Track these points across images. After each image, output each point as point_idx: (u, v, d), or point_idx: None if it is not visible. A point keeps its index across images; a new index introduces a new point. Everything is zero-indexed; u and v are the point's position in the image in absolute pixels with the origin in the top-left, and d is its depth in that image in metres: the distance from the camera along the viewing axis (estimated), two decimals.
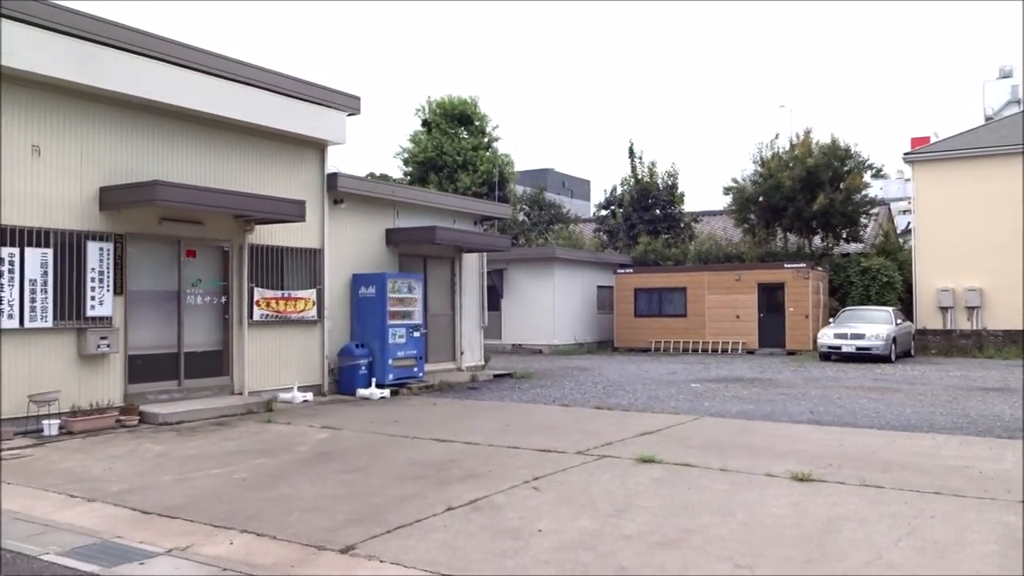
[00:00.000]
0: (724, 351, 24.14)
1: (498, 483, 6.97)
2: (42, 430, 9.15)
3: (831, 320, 21.94)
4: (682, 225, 31.35)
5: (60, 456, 8.24)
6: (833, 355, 20.42)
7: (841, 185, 25.43)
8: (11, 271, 9.28)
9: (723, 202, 30.16)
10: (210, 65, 11.32)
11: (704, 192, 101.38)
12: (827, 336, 20.67)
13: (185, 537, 5.55)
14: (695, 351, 24.58)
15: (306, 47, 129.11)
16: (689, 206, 32.87)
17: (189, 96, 11.02)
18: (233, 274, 12.01)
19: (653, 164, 31.65)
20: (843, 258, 26.27)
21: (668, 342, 25.11)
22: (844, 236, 26.66)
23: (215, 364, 11.80)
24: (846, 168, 26.06)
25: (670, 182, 31.42)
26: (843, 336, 20.23)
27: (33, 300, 9.47)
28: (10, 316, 9.26)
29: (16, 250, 9.36)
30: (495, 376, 16.42)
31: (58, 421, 9.28)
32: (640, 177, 31.60)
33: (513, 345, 25.14)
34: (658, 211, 31.19)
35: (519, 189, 36.38)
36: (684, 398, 12.99)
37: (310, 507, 6.27)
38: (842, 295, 25.05)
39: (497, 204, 21.85)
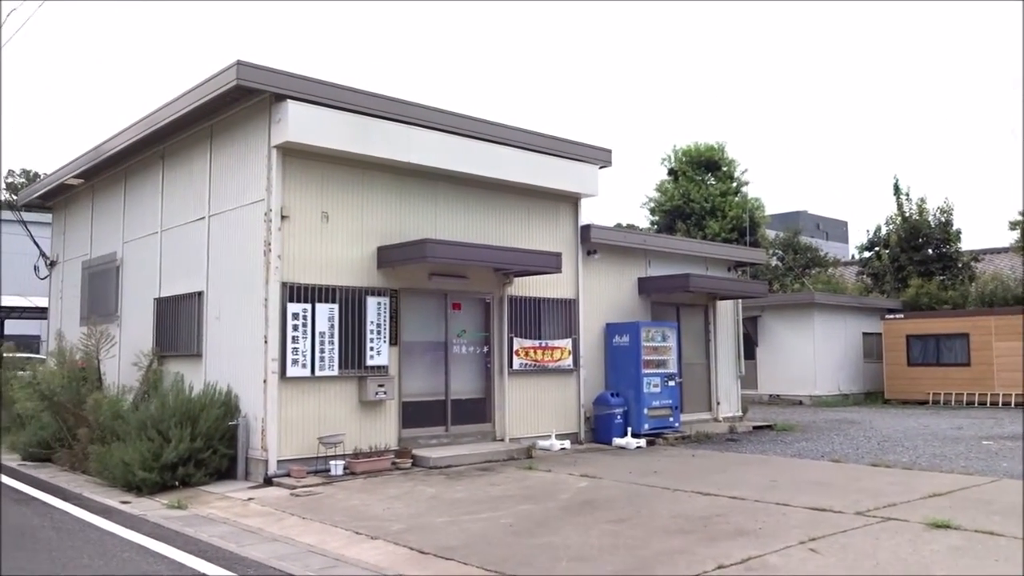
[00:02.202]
0: (1018, 404, 21.27)
1: (770, 542, 6.53)
2: (329, 470, 9.98)
3: None
4: (959, 265, 28.36)
5: (345, 495, 8.91)
6: None
7: None
8: (304, 324, 10.31)
9: (1009, 238, 26.89)
10: (472, 129, 12.03)
11: (985, 228, 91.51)
12: None
13: None
14: (982, 404, 21.89)
15: (552, 102, 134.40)
16: (967, 243, 29.74)
17: (454, 159, 11.76)
18: (494, 325, 12.52)
19: (922, 200, 29.06)
20: None
21: (948, 393, 22.60)
22: None
23: (479, 411, 12.29)
24: None
25: (943, 219, 28.64)
26: None
27: (322, 351, 10.44)
28: (303, 365, 10.26)
29: (308, 306, 10.40)
30: (754, 428, 15.65)
31: (343, 462, 10.08)
32: (908, 215, 29.13)
33: (770, 396, 23.89)
34: (930, 251, 28.49)
35: (771, 233, 34.98)
36: (976, 456, 11.54)
37: (577, 556, 6.23)
38: None
39: (751, 249, 21.10)
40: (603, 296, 14.37)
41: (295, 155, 10.41)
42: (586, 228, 13.96)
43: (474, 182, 12.30)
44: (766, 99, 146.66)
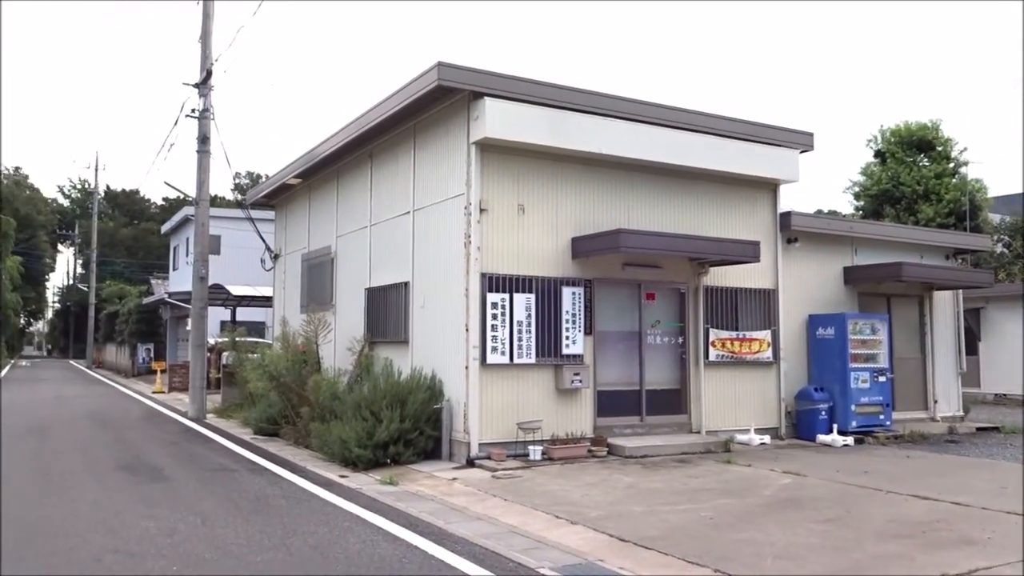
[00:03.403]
0: None
1: (1002, 553, 6.02)
2: (528, 454, 10.27)
3: None
4: None
5: (544, 479, 9.14)
6: None
7: None
8: (503, 314, 10.65)
9: None
10: (664, 118, 11.88)
11: None
12: None
13: (661, 568, 5.73)
14: None
15: (748, 87, 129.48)
16: None
17: (646, 149, 11.68)
18: (689, 315, 12.33)
19: None
20: None
21: None
22: None
23: (673, 402, 12.17)
24: None
25: None
26: None
27: (520, 339, 10.75)
28: (502, 353, 10.61)
29: (506, 295, 10.72)
30: (977, 429, 14.39)
31: (541, 447, 10.33)
32: None
33: (995, 395, 21.81)
34: None
35: (994, 217, 31.85)
36: None
37: (782, 554, 6.05)
38: None
39: (972, 235, 19.37)
40: (804, 286, 13.74)
41: (492, 150, 10.75)
42: (786, 215, 13.40)
43: (666, 171, 12.14)
44: (988, 70, 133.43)
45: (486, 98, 10.41)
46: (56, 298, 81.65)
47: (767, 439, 12.18)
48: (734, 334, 12.57)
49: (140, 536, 6.55)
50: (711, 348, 12.31)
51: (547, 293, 11.04)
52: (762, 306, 13.01)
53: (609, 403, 11.51)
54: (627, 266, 11.67)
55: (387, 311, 12.77)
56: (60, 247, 77.69)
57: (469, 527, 6.96)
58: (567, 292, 11.17)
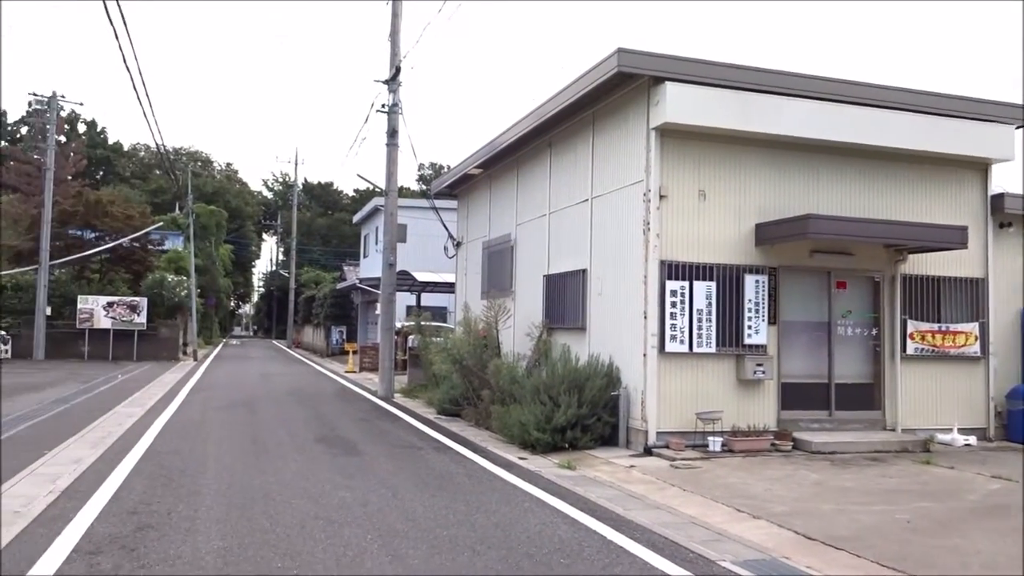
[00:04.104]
0: None
1: None
2: (707, 445, 10.08)
3: None
4: None
5: (724, 471, 8.95)
6: None
7: None
8: (682, 302, 10.49)
9: None
10: (853, 95, 11.18)
11: None
12: None
13: (852, 570, 5.48)
14: None
15: (950, 57, 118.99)
16: None
17: (836, 129, 11.06)
18: (884, 305, 11.59)
19: None
20: None
21: None
22: None
23: (865, 397, 11.50)
24: None
25: None
26: None
27: (699, 327, 10.54)
28: (681, 341, 10.45)
29: (686, 283, 10.54)
30: None
31: (720, 439, 10.11)
32: None
33: None
34: None
35: None
36: None
37: (989, 564, 5.61)
38: None
39: None
40: (1019, 275, 12.53)
41: (672, 135, 10.57)
42: (998, 197, 12.25)
43: (857, 152, 11.44)
44: None
45: (667, 83, 10.25)
46: (261, 283, 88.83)
47: (972, 440, 11.26)
48: (935, 326, 11.68)
49: (338, 505, 7.04)
50: (909, 341, 11.52)
51: (728, 281, 10.74)
52: (968, 296, 12.00)
53: (794, 396, 11.06)
54: (815, 253, 11.14)
55: (565, 298, 12.91)
56: (264, 236, 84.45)
57: (647, 515, 6.94)
58: (750, 280, 10.82)
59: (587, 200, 12.29)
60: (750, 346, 10.73)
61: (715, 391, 10.55)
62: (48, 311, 29.14)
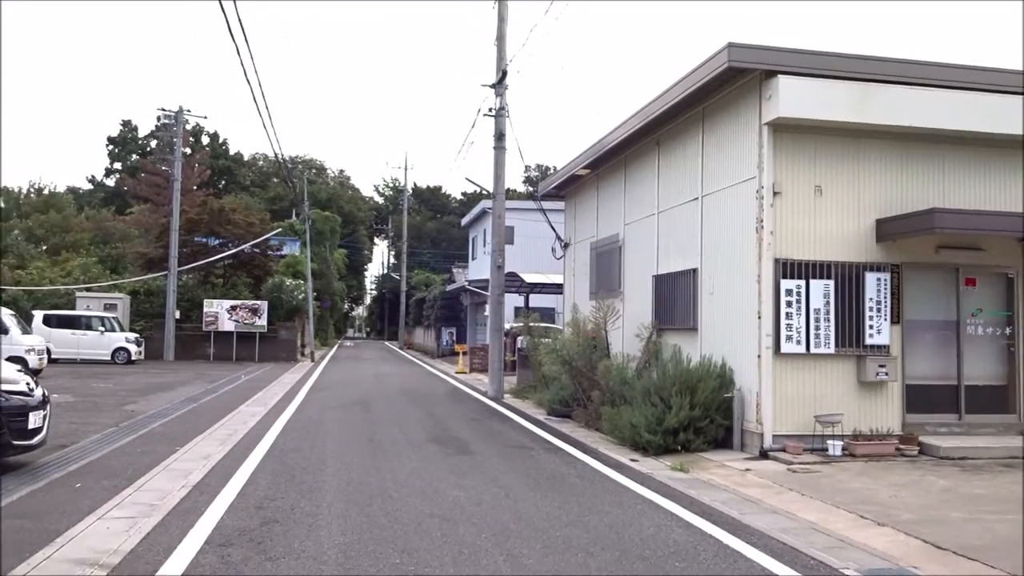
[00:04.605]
0: None
1: None
2: (826, 449, 9.73)
3: None
4: None
5: (845, 476, 8.63)
6: None
7: None
8: (798, 301, 10.17)
9: None
10: (983, 81, 10.55)
11: None
12: None
13: None
14: None
15: None
16: None
17: (962, 118, 10.47)
18: (1019, 303, 10.91)
19: None
20: None
21: None
22: None
23: (998, 400, 10.86)
24: None
25: None
26: None
27: (817, 327, 10.20)
28: (798, 342, 10.14)
29: (802, 282, 10.22)
30: None
31: (841, 442, 9.74)
32: None
33: None
34: None
35: None
36: None
37: None
38: None
39: None
40: None
41: (786, 130, 10.27)
42: None
43: (985, 141, 10.78)
44: None
45: (779, 76, 9.96)
46: (373, 286, 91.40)
47: None
48: None
49: (452, 503, 7.18)
50: None
51: (847, 279, 10.35)
52: None
53: (919, 398, 10.55)
54: (942, 249, 10.59)
55: (675, 298, 12.74)
56: (376, 240, 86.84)
57: (765, 520, 6.78)
58: (870, 278, 10.39)
59: (697, 198, 12.09)
60: (872, 346, 10.30)
61: (834, 393, 10.19)
62: (177, 315, 30.88)
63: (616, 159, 15.62)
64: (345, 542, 5.88)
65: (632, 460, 9.69)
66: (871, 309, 10.34)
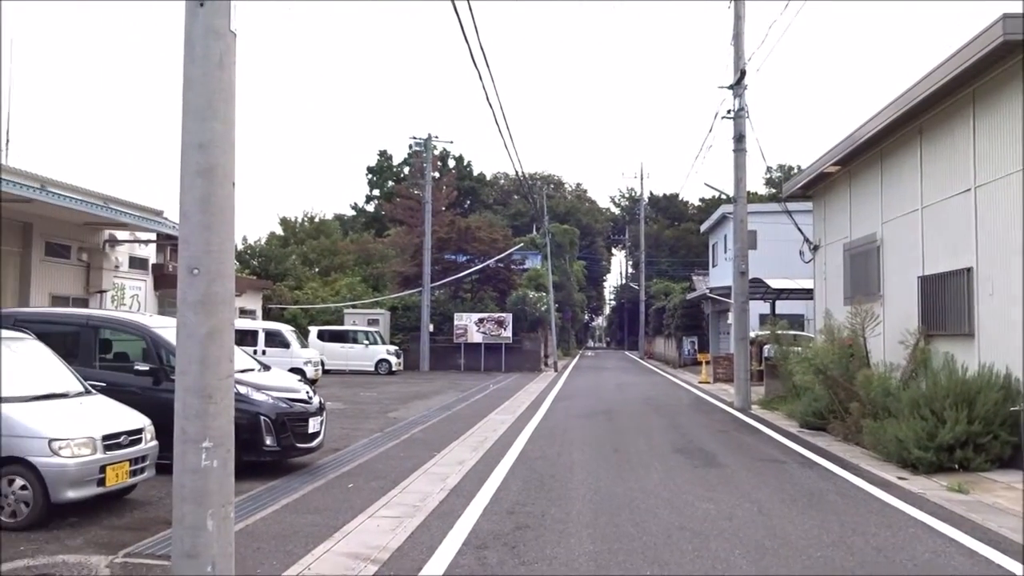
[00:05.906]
0: None
1: None
2: None
3: None
4: None
5: None
6: None
7: None
8: None
9: None
10: None
11: None
12: None
13: None
14: None
15: None
16: None
17: None
18: None
19: None
20: None
21: None
22: None
23: None
24: None
25: None
26: None
27: None
28: None
29: None
30: None
31: None
32: None
33: None
34: None
35: None
36: None
37: None
38: None
39: None
40: None
41: None
42: None
43: None
44: None
45: None
46: (612, 296, 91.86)
47: None
48: None
49: (702, 517, 6.97)
50: None
51: None
52: None
53: None
54: None
55: (945, 301, 11.53)
56: (614, 251, 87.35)
57: None
58: None
59: (969, 190, 10.89)
60: None
61: None
62: (430, 328, 32.95)
63: (870, 153, 14.48)
64: (595, 551, 5.90)
65: (900, 478, 8.88)
66: None
